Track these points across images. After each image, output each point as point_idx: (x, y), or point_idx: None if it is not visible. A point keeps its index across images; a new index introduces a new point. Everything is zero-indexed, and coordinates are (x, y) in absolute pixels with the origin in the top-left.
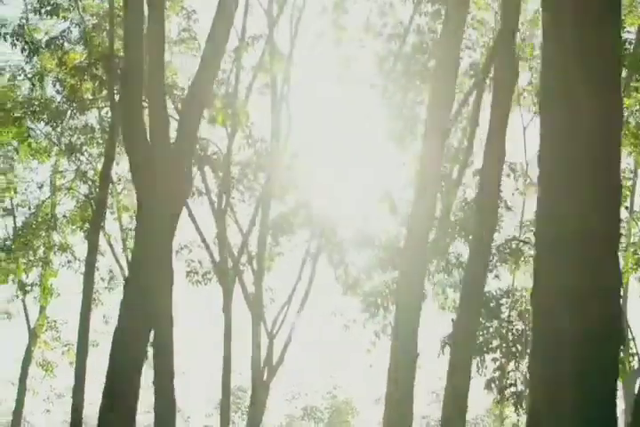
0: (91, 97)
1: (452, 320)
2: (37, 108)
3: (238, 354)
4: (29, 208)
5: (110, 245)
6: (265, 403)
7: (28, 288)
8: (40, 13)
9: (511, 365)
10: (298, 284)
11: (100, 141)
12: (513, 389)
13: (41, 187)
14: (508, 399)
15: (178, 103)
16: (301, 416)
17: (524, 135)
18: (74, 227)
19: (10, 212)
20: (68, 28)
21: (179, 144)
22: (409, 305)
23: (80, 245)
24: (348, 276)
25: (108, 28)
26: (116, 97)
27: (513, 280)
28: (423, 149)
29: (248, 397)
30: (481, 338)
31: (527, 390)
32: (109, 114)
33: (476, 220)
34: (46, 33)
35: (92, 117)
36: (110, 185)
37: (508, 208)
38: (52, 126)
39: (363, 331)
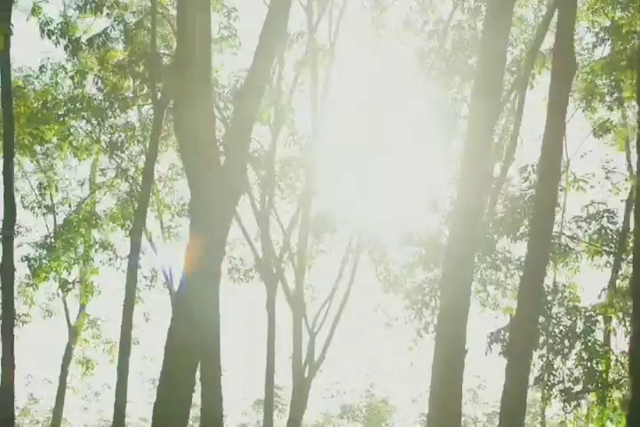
0: (131, 95)
1: (511, 316)
2: (79, 106)
3: (276, 352)
4: (70, 206)
5: (151, 243)
6: (306, 401)
7: (70, 286)
8: (85, 11)
9: (557, 361)
10: (339, 281)
11: (141, 139)
12: (560, 386)
13: (82, 184)
14: (555, 397)
15: (219, 101)
16: (339, 415)
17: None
18: (114, 224)
19: (50, 209)
20: (112, 25)
21: (232, 140)
22: (456, 301)
23: (120, 242)
24: (390, 273)
25: (149, 25)
26: (159, 94)
27: (554, 276)
28: (468, 146)
29: (285, 395)
30: None
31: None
32: (150, 111)
33: (536, 216)
34: (85, 31)
35: (132, 115)
36: None
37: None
38: (92, 124)
39: (404, 329)
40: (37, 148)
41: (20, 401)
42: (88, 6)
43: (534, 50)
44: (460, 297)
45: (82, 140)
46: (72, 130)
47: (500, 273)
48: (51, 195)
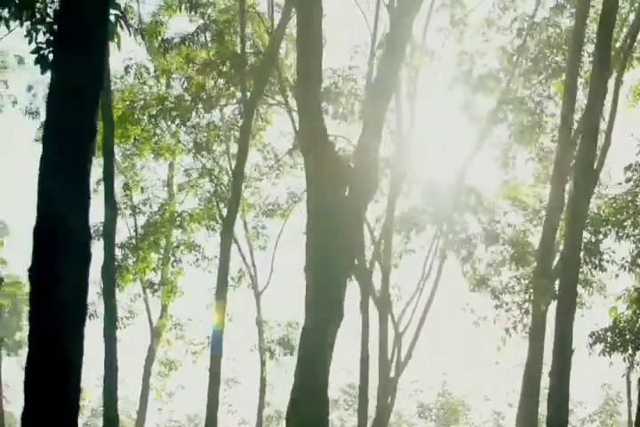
0: (216, 95)
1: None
2: (165, 107)
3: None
4: (150, 206)
5: (237, 244)
6: (393, 401)
7: (156, 287)
8: (180, 10)
9: None
10: (425, 280)
11: (224, 139)
12: None
13: (167, 185)
14: None
15: None
16: (416, 413)
17: None
18: (198, 225)
19: (134, 210)
20: (204, 24)
21: (365, 142)
22: (563, 300)
23: (203, 242)
24: (476, 272)
25: (238, 25)
26: (248, 94)
27: None
28: (577, 146)
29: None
30: (628, 334)
31: None
32: (236, 111)
33: None
34: (161, 32)
35: (214, 115)
36: None
37: None
38: (177, 125)
39: (489, 328)
40: (116, 149)
41: (94, 402)
42: (183, 6)
43: (627, 48)
44: (566, 296)
45: (165, 140)
46: (157, 130)
47: (586, 271)
48: (131, 195)
